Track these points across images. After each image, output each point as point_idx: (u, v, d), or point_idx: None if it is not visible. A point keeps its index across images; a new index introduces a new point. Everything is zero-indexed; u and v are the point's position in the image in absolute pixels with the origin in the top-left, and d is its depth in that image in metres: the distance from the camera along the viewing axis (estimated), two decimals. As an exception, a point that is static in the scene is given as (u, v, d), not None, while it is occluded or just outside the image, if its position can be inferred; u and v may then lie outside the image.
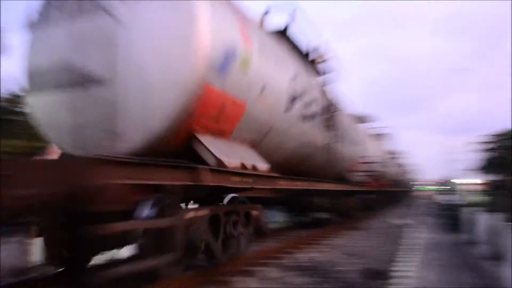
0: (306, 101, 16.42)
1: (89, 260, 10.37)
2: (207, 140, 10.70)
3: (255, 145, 12.96)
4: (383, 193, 39.45)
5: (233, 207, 12.65)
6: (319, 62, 19.57)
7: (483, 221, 19.71)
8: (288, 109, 14.63)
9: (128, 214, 8.87)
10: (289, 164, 15.62)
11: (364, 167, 28.25)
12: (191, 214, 10.59)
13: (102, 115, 10.25)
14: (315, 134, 17.55)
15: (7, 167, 7.50)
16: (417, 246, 19.82)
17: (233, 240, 12.68)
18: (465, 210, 26.15)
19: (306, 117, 16.41)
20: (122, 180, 8.44)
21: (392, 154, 54.52)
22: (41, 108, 11.18)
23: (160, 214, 9.33)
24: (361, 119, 32.50)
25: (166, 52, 9.95)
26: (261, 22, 15.43)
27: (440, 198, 46.24)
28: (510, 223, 15.32)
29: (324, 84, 19.73)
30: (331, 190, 20.52)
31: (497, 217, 18.65)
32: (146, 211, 9.06)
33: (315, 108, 17.41)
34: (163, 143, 10.13)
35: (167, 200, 9.36)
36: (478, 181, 39.30)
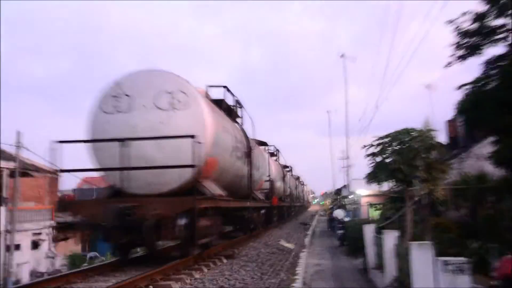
0: (238, 146, 27.91)
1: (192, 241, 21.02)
2: (205, 183, 21.96)
3: (218, 179, 24.11)
4: (280, 208, 55.65)
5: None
6: (237, 115, 31.33)
7: (386, 241, 19.38)
8: (231, 155, 25.99)
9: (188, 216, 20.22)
10: (230, 189, 26.15)
11: (265, 185, 39.17)
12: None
13: (154, 172, 21.21)
14: (241, 167, 28.95)
15: (150, 202, 19.78)
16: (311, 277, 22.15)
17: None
18: (366, 228, 25.22)
19: (238, 157, 27.78)
20: (206, 204, 21.21)
21: (285, 169, 64.09)
22: (104, 160, 21.67)
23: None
24: (261, 143, 43.97)
25: (190, 141, 20.33)
26: (207, 94, 25.99)
27: (337, 214, 46.15)
28: (412, 243, 14.44)
29: (242, 129, 31.39)
30: (248, 206, 31.57)
31: (399, 236, 19.27)
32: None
33: (242, 149, 28.78)
34: (185, 186, 21.06)
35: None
36: (378, 191, 36.55)
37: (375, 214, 38.78)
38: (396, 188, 25.23)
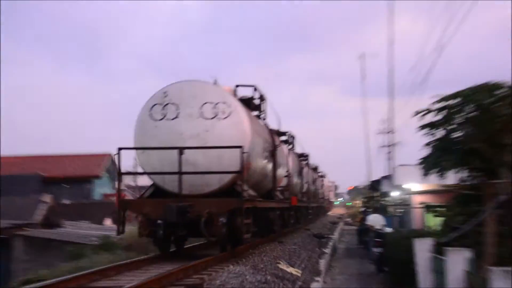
0: (266, 146, 29.17)
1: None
2: (241, 185, 23.20)
3: (248, 180, 24.93)
4: (298, 209, 46.47)
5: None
6: (262, 111, 31.73)
7: (451, 266, 14.52)
8: (261, 157, 27.52)
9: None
10: (255, 188, 27.03)
11: (282, 182, 35.59)
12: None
13: (199, 175, 23.32)
14: (266, 166, 29.66)
15: (202, 201, 22.23)
16: None
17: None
18: (419, 244, 18.82)
19: (265, 157, 29.04)
20: (248, 205, 23.21)
21: (302, 160, 52.72)
22: (152, 163, 24.28)
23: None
24: (279, 133, 38.71)
25: (234, 141, 22.89)
26: (234, 93, 27.93)
27: (373, 221, 34.14)
28: (495, 269, 11.02)
29: (267, 126, 32.46)
30: (278, 207, 33.38)
31: (473, 258, 14.08)
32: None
33: (268, 148, 29.87)
34: (224, 187, 22.94)
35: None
36: (439, 186, 25.60)
37: (434, 222, 26.23)
38: (469, 181, 17.02)
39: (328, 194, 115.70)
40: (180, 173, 24.32)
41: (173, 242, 25.81)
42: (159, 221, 23.43)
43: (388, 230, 32.34)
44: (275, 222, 34.38)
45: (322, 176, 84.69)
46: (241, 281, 17.34)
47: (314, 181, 64.64)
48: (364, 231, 37.59)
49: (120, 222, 25.21)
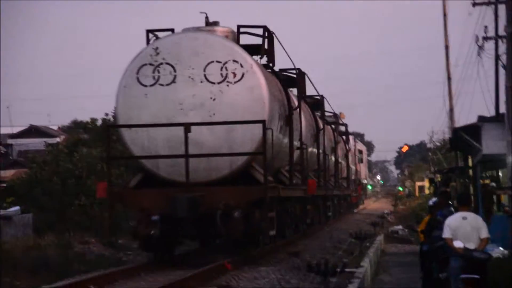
0: (282, 112, 25.45)
1: None
2: (257, 168, 21.66)
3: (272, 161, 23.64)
4: (315, 200, 35.69)
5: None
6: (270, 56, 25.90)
7: None
8: (277, 127, 24.58)
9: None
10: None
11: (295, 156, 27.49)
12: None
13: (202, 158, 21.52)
14: (282, 139, 25.91)
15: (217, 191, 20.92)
16: None
17: None
18: None
19: (281, 127, 25.13)
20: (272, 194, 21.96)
21: (318, 113, 39.31)
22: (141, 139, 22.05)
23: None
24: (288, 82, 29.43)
25: (247, 115, 21.19)
26: (236, 37, 24.49)
27: (461, 233, 14.45)
28: None
29: (281, 83, 27.33)
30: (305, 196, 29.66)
31: None
32: None
33: (283, 114, 25.73)
34: (236, 172, 21.56)
35: None
36: None
37: None
38: None
39: (356, 167, 72.95)
40: (186, 156, 21.32)
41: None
42: (154, 218, 21.25)
43: (498, 251, 20.01)
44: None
45: (347, 135, 57.30)
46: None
47: (331, 145, 44.35)
48: (438, 257, 16.61)
49: (110, 221, 23.81)
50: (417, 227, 23.52)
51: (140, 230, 22.43)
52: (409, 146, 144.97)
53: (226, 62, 22.15)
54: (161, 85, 22.29)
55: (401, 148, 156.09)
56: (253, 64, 22.66)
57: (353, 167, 67.00)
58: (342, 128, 54.46)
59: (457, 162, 34.16)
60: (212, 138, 21.86)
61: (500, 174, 28.23)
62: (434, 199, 20.43)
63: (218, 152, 21.80)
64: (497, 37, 31.92)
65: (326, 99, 41.11)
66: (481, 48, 33.12)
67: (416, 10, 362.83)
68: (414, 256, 24.39)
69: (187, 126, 21.26)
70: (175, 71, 22.33)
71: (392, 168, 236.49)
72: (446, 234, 14.49)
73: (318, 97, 39.88)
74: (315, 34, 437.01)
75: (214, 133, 21.91)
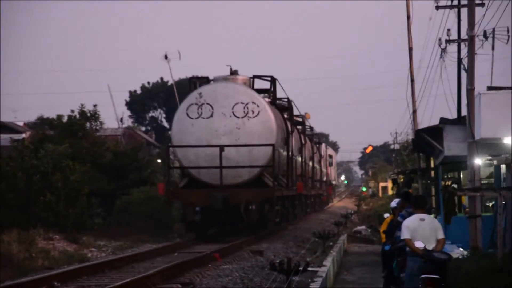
0: (283, 136, 37.03)
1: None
2: (267, 175, 32.80)
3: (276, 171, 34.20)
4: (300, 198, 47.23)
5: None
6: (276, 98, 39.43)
7: None
8: (280, 146, 35.36)
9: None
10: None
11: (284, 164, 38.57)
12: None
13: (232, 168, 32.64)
14: (282, 153, 37.37)
15: (240, 191, 32.33)
16: None
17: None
18: None
19: (282, 146, 36.46)
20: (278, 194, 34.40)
21: (300, 131, 48.16)
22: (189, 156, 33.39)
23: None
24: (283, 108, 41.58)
25: (263, 140, 32.23)
26: (252, 83, 36.11)
27: (420, 234, 14.53)
28: None
29: (282, 114, 38.96)
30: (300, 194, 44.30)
31: None
32: None
33: (284, 136, 37.24)
34: (253, 178, 32.56)
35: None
36: None
37: None
38: None
39: (327, 170, 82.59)
40: (220, 167, 32.36)
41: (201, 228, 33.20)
42: (197, 209, 31.96)
43: (458, 252, 20.17)
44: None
45: (316, 142, 66.56)
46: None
47: (308, 152, 53.84)
48: (399, 257, 16.80)
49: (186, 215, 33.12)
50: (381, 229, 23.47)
51: (187, 217, 33.46)
52: (373, 146, 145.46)
53: (247, 103, 33.50)
54: (203, 118, 33.48)
55: (365, 148, 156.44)
56: (265, 104, 34.17)
57: (324, 170, 76.68)
58: (314, 134, 66.42)
59: (419, 164, 34.38)
60: (237, 155, 33.23)
61: (461, 175, 28.34)
62: (397, 200, 20.64)
63: (241, 165, 33.28)
64: (459, 40, 32.30)
65: (304, 119, 52.65)
66: (444, 50, 33.49)
67: (383, 11, 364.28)
68: (376, 256, 24.58)
69: (221, 147, 32.58)
70: (212, 109, 33.53)
71: (356, 168, 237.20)
72: (406, 235, 14.58)
73: (300, 118, 50.77)
74: (279, 34, 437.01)
75: (238, 151, 33.22)
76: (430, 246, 14.43)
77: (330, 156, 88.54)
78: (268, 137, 33.30)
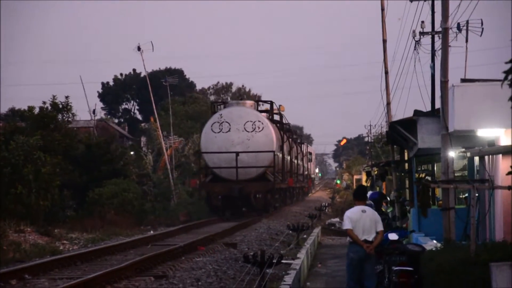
0: (279, 144, 49.71)
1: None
2: (268, 173, 46.78)
3: (275, 170, 48.07)
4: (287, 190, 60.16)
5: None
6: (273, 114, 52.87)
7: None
8: (278, 151, 48.93)
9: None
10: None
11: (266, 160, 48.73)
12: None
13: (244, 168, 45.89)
14: (277, 154, 49.23)
15: (250, 184, 46.11)
16: None
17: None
18: (501, 275, 12.72)
19: (279, 150, 50.00)
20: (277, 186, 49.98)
21: (280, 128, 54.08)
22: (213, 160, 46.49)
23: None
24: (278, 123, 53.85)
25: (266, 148, 46.10)
26: (256, 106, 51.49)
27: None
28: None
29: (278, 128, 51.54)
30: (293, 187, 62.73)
31: None
32: None
33: (279, 144, 49.71)
34: (259, 175, 46.33)
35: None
36: None
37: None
38: None
39: (307, 165, 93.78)
40: (236, 167, 45.18)
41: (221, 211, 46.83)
42: (219, 197, 46.05)
43: (431, 244, 20.07)
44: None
45: (299, 142, 78.71)
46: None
47: (294, 153, 66.03)
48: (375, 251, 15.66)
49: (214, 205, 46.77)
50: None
51: (212, 203, 46.87)
52: (347, 139, 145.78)
53: (254, 121, 46.44)
54: (223, 132, 46.10)
55: (339, 141, 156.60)
56: (267, 122, 47.55)
57: (306, 165, 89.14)
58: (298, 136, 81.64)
59: (393, 156, 34.35)
60: (248, 158, 45.71)
61: (435, 168, 28.36)
62: (370, 193, 20.82)
63: (251, 165, 45.73)
64: (433, 33, 32.31)
65: (283, 116, 58.87)
66: (418, 43, 33.50)
67: (356, 2, 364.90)
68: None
69: (236, 153, 45.21)
70: (230, 125, 46.14)
71: (331, 161, 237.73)
72: (347, 225, 14.93)
73: (287, 124, 60.63)
74: (254, 26, 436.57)
75: (249, 156, 45.76)
76: (370, 237, 14.89)
77: (310, 153, 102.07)
78: (270, 146, 46.63)
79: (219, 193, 45.89)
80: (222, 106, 52.20)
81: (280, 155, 50.62)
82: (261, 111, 51.08)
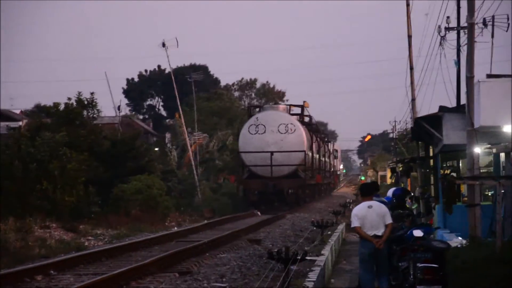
0: (309, 144, 56.64)
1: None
2: (300, 170, 53.51)
3: (305, 168, 54.96)
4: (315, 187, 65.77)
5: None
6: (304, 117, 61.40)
7: None
8: (309, 151, 56.10)
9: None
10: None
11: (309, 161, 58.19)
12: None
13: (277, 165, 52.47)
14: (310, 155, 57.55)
15: (284, 181, 52.98)
16: None
17: None
18: None
19: (310, 150, 57.55)
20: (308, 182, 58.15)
21: (310, 129, 61.24)
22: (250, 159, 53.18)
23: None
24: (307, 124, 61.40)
25: (297, 148, 52.50)
26: (289, 110, 59.11)
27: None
28: None
29: (309, 130, 58.93)
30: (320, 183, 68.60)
31: None
32: None
33: (310, 144, 57.05)
34: (291, 172, 52.60)
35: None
36: None
37: None
38: None
39: (334, 162, 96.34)
40: (271, 165, 50.94)
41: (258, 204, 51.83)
42: (256, 192, 51.57)
43: (456, 241, 19.68)
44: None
45: (326, 141, 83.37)
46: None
47: (322, 151, 70.96)
48: (397, 247, 16.19)
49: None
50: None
51: (250, 197, 52.37)
52: (372, 135, 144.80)
53: (287, 124, 52.19)
54: (259, 134, 51.92)
55: (364, 137, 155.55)
56: (299, 124, 53.51)
57: (332, 162, 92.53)
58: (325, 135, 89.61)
59: (418, 152, 34.13)
60: (281, 157, 51.39)
61: (460, 164, 28.09)
62: (393, 189, 20.68)
63: (284, 164, 51.47)
64: (459, 28, 32.10)
65: (311, 118, 65.82)
66: (443, 38, 33.29)
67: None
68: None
69: (271, 153, 51.03)
70: (265, 128, 51.91)
71: (355, 157, 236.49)
72: (355, 223, 15.05)
73: (309, 117, 64.47)
74: (277, 24, 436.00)
75: (282, 155, 51.41)
76: (380, 232, 14.95)
77: (336, 151, 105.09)
78: (301, 146, 52.55)
79: (255, 189, 51.89)
80: (257, 109, 58.46)
81: (310, 154, 56.33)
82: (293, 114, 57.45)
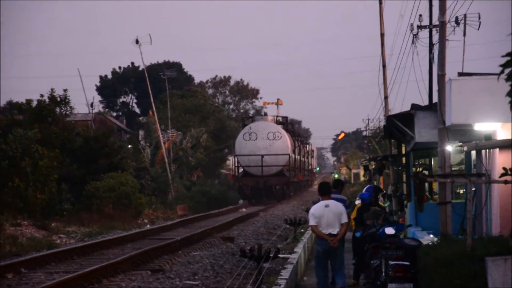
0: (293, 149, 69.59)
1: None
2: (285, 170, 66.27)
3: (289, 168, 68.16)
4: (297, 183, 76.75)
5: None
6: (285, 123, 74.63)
7: None
8: (292, 154, 69.09)
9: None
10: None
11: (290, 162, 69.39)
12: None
13: (267, 165, 64.87)
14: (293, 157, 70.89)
15: (272, 178, 66.83)
16: None
17: None
18: (497, 269, 12.50)
19: (293, 153, 71.03)
20: (292, 179, 70.65)
21: (294, 137, 75.47)
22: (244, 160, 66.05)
23: None
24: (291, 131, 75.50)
25: (283, 152, 65.36)
26: (277, 120, 74.07)
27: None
28: None
29: (292, 137, 72.17)
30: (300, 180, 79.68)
31: None
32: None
33: (293, 148, 69.85)
34: (278, 172, 65.37)
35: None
36: None
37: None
38: None
39: (311, 161, 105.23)
40: (262, 166, 63.02)
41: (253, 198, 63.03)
42: (249, 188, 63.16)
43: (428, 238, 19.75)
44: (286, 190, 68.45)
45: (305, 143, 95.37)
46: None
47: (302, 153, 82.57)
48: (369, 245, 16.71)
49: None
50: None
51: (243, 191, 63.33)
52: (345, 133, 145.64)
53: (275, 132, 64.41)
54: (252, 140, 63.71)
55: (337, 135, 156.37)
56: (284, 132, 65.76)
57: (309, 161, 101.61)
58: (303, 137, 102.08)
59: (390, 150, 34.24)
60: (270, 159, 62.97)
61: (432, 162, 28.20)
62: (367, 187, 20.81)
63: (272, 165, 63.38)
64: (431, 26, 32.20)
65: (287, 120, 78.99)
66: (415, 36, 33.38)
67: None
68: (347, 242, 24.17)
69: (262, 155, 62.58)
70: (256, 135, 63.82)
71: (329, 155, 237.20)
72: (311, 222, 15.29)
73: (298, 133, 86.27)
74: (251, 21, 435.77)
75: (271, 157, 62.99)
76: (335, 231, 15.14)
77: (312, 150, 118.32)
78: (286, 150, 64.55)
79: (248, 185, 63.49)
80: (250, 120, 70.80)
81: (293, 156, 68.39)
82: (278, 123, 70.43)
